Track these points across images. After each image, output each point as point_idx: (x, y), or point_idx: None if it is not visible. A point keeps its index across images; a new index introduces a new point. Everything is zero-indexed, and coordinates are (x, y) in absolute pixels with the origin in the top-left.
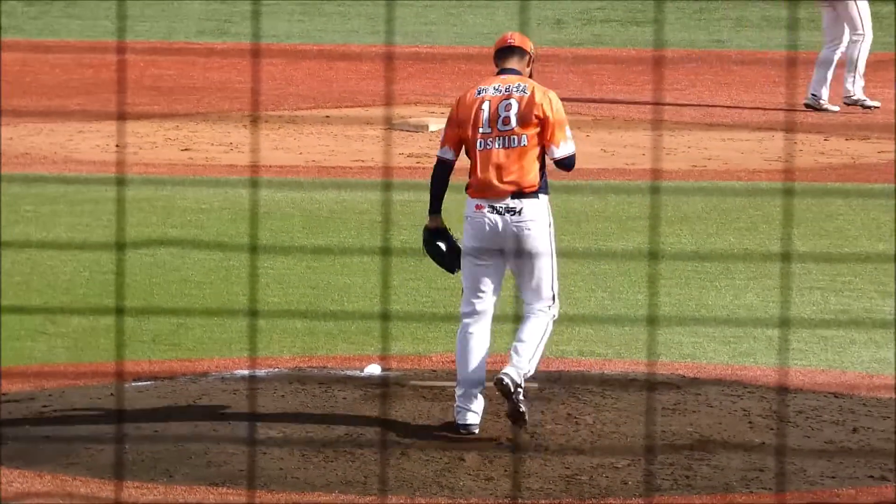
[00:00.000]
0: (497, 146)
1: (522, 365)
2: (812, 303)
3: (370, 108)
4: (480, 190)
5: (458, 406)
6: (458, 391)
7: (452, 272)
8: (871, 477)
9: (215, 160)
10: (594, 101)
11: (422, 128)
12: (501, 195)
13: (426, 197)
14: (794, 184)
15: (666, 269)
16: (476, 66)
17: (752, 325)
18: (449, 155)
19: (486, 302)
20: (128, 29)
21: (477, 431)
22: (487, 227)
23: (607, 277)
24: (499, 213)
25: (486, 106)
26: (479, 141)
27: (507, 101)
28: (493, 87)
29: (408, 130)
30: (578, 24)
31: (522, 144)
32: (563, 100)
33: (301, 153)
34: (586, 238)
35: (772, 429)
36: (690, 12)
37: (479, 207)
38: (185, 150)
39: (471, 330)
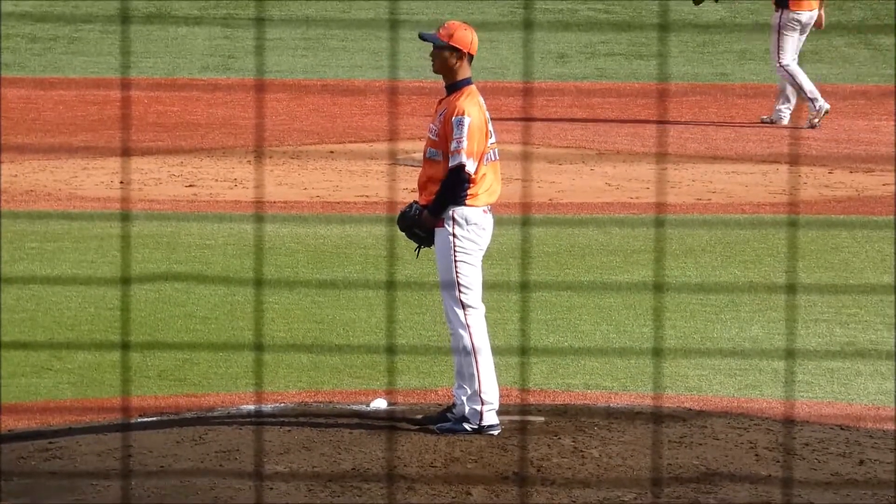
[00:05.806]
0: (497, 156)
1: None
2: (817, 335)
3: (374, 144)
4: (491, 196)
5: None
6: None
7: (429, 246)
8: None
9: (220, 196)
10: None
11: None
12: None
13: None
14: (799, 216)
15: (671, 301)
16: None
17: (758, 358)
18: (473, 168)
19: None
20: (132, 65)
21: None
22: (490, 228)
23: (612, 310)
24: (491, 214)
25: (488, 115)
26: (492, 151)
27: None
28: (480, 96)
29: (412, 165)
30: (582, 58)
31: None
32: (567, 133)
33: (305, 188)
34: (591, 271)
35: (778, 461)
36: (694, 46)
37: (485, 212)
38: (190, 186)
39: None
